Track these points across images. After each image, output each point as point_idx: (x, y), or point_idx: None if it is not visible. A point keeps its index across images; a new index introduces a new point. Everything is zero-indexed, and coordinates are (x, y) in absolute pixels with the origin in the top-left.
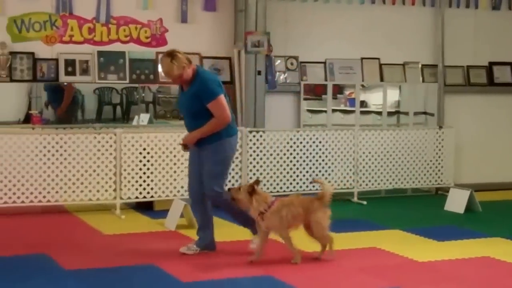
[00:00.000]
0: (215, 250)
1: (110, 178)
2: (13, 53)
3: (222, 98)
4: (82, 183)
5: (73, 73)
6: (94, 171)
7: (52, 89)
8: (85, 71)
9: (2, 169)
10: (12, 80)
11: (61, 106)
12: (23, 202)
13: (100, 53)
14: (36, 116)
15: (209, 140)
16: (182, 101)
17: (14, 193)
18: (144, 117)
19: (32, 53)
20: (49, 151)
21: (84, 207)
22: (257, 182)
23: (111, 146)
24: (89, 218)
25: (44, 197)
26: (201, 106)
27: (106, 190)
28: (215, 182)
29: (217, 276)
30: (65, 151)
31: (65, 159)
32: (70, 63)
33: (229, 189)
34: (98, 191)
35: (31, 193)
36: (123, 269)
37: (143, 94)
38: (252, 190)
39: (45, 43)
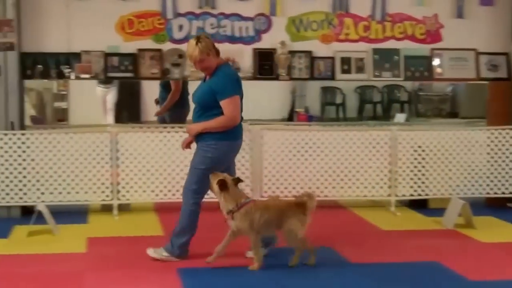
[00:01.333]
0: (185, 258)
1: (385, 175)
2: (292, 52)
3: (236, 98)
4: (358, 179)
5: (348, 71)
6: (370, 167)
7: (163, 86)
8: (360, 69)
9: (274, 164)
10: (291, 79)
11: (164, 104)
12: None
13: (375, 51)
14: (302, 114)
15: (208, 139)
16: (197, 90)
17: (286, 187)
18: (400, 117)
19: (310, 52)
20: (318, 147)
21: (358, 202)
22: (237, 180)
23: (386, 143)
24: (365, 213)
25: (321, 192)
26: (213, 100)
27: (381, 187)
28: (193, 180)
29: (505, 277)
30: (334, 147)
31: (342, 155)
32: (345, 61)
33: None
34: (373, 187)
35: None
36: (406, 265)
37: (398, 94)
38: (222, 185)
39: (322, 42)
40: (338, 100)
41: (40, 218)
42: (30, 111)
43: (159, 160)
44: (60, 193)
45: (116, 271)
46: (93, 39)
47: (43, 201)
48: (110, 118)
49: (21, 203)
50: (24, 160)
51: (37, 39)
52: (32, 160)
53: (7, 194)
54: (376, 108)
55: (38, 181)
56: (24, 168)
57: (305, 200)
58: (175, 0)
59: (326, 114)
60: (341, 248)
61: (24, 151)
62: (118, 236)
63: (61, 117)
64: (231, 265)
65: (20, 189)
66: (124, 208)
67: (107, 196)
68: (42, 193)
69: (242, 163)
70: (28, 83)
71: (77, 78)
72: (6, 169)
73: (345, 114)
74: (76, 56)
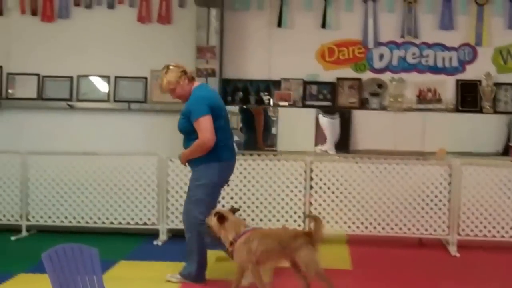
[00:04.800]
0: (202, 283)
1: None
2: (497, 84)
3: (205, 119)
4: None
5: None
6: None
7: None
8: None
9: (475, 201)
10: (495, 112)
11: (255, 133)
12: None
13: None
14: None
15: (196, 162)
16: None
17: (486, 226)
18: None
19: None
20: None
21: None
22: (233, 210)
23: None
24: None
25: None
26: (189, 124)
27: None
28: (196, 209)
29: None
30: None
31: None
32: None
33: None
34: None
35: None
36: None
37: None
38: (220, 217)
39: None
40: None
41: None
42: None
43: (352, 191)
44: (252, 219)
45: None
46: (293, 67)
47: None
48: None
49: None
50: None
51: (238, 66)
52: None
53: None
54: None
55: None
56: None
57: (315, 229)
58: (377, 29)
59: None
60: None
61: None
62: None
63: (271, 142)
64: None
65: None
66: None
67: (295, 221)
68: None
69: (439, 198)
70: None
71: (275, 105)
72: None
73: None
74: (276, 83)
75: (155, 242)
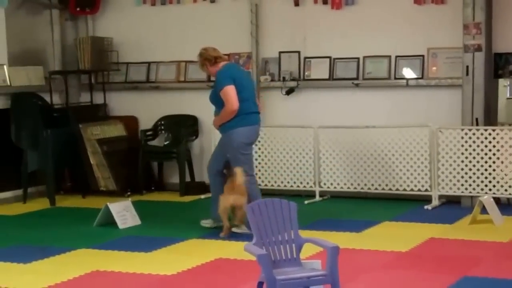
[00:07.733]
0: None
1: None
2: None
3: (228, 88)
4: None
5: None
6: None
7: None
8: None
9: None
10: None
11: None
12: None
13: None
14: None
15: (224, 129)
16: None
17: None
18: None
19: None
20: None
21: None
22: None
23: None
24: None
25: None
26: (217, 96)
27: None
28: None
29: None
30: None
31: None
32: None
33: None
34: None
35: None
36: None
37: None
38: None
39: None
40: None
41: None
42: None
43: None
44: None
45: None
46: None
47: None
48: None
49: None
50: (485, 154)
51: (508, 40)
52: (494, 154)
53: (470, 185)
54: None
55: (498, 174)
56: (494, 162)
57: (235, 180)
58: None
59: None
60: None
61: (486, 146)
62: None
63: None
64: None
65: (482, 181)
66: None
67: None
68: (502, 186)
69: None
70: None
71: None
72: (470, 162)
73: None
74: None
75: (425, 207)
